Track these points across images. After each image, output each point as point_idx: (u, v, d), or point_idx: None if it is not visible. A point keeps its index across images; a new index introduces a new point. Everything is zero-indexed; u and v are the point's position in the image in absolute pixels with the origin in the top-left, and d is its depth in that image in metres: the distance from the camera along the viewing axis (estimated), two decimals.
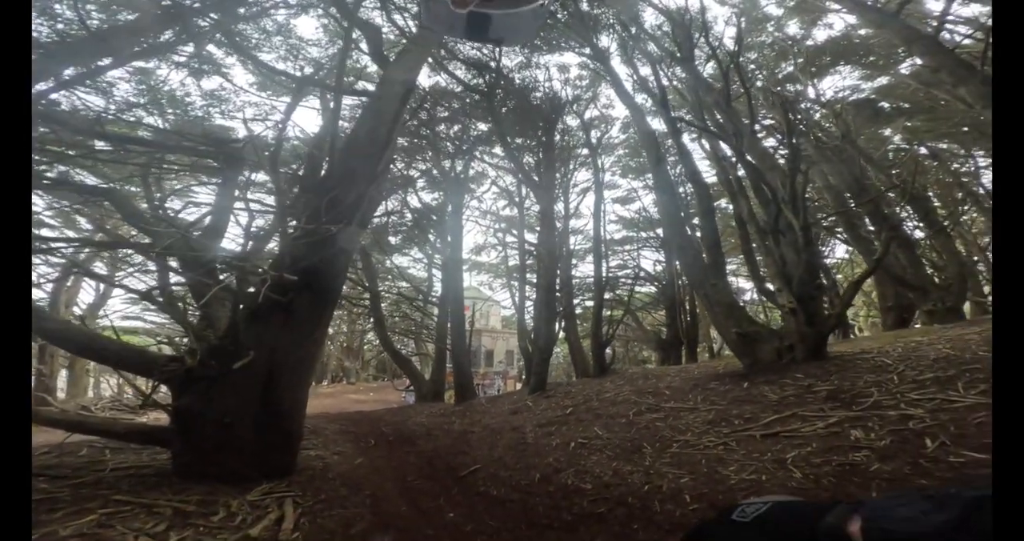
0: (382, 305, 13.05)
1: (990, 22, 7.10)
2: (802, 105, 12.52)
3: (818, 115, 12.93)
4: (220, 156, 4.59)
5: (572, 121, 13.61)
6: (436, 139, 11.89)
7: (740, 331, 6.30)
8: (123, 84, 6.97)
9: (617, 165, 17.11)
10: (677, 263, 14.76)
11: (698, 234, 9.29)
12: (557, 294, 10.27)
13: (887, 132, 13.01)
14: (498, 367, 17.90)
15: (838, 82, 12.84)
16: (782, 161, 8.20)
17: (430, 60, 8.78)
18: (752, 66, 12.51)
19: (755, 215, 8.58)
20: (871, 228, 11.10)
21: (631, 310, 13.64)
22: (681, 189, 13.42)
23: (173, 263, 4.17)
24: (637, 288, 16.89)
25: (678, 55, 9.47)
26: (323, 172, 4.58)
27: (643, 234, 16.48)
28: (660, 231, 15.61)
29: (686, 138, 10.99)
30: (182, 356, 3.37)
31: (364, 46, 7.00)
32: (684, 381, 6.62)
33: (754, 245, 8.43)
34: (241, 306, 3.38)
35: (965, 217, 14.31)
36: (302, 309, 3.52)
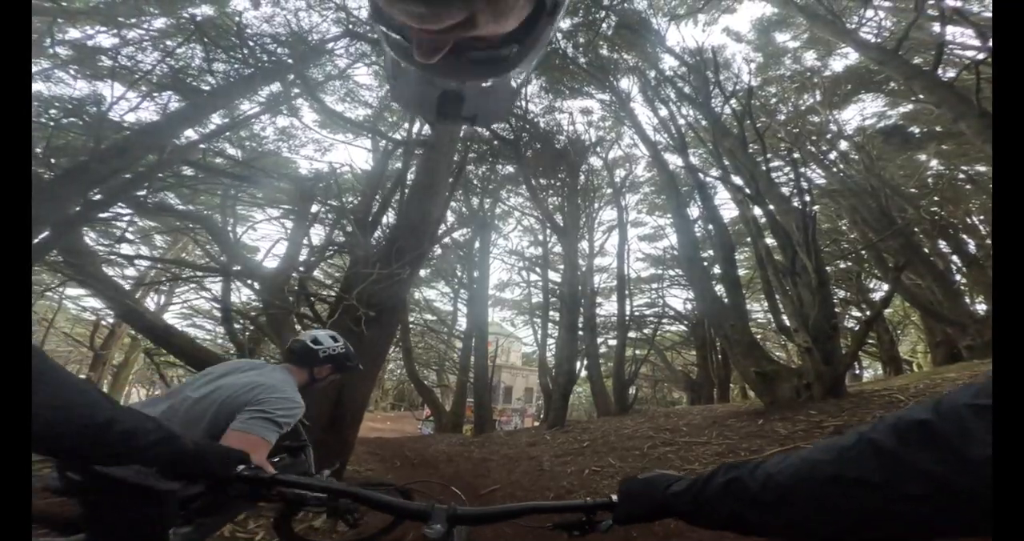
0: (409, 336, 13.88)
1: (979, 55, 7.53)
2: (827, 137, 12.98)
3: (844, 145, 13.28)
4: (296, 192, 5.64)
5: (597, 161, 14.62)
6: (465, 178, 13.00)
7: (759, 370, 6.69)
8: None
9: (643, 203, 17.86)
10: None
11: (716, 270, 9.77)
12: (579, 333, 10.82)
13: (923, 157, 13.13)
14: (517, 404, 18.14)
15: (863, 110, 13.18)
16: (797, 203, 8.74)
17: None
18: (773, 99, 13.19)
19: (772, 256, 9.09)
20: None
21: (658, 349, 13.91)
22: (710, 226, 13.94)
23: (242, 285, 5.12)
24: (667, 327, 17.17)
25: (696, 99, 10.40)
26: (375, 210, 5.46)
27: (671, 272, 16.90)
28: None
29: (711, 176, 11.63)
30: None
31: None
32: (704, 419, 6.97)
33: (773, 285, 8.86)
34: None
35: None
36: (370, 337, 4.28)
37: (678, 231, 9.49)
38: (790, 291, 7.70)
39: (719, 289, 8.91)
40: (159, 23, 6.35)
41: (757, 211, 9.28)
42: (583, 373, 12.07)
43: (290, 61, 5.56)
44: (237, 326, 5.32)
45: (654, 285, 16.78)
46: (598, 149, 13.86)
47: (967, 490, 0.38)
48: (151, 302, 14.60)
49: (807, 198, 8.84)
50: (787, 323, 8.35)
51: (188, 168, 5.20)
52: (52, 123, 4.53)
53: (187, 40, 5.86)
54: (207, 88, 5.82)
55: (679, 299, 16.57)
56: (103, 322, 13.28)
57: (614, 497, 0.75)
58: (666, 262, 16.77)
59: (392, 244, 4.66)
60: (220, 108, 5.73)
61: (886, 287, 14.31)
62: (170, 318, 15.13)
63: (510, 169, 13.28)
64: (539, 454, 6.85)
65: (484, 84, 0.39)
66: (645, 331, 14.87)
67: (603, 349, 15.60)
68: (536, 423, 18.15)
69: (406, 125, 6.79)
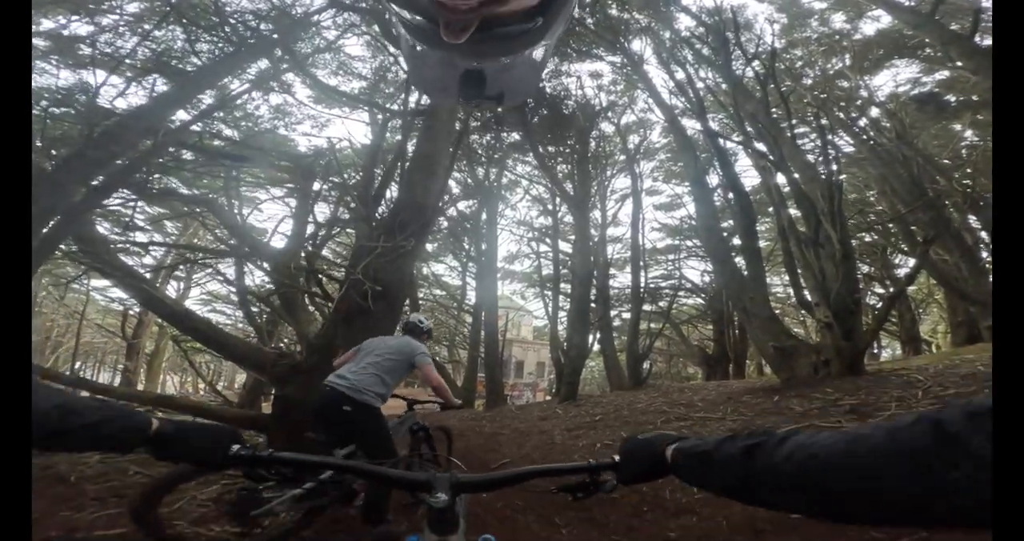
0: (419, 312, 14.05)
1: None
2: (857, 103, 12.45)
3: (875, 113, 12.75)
4: (296, 170, 5.63)
5: (608, 127, 14.15)
6: (469, 148, 12.71)
7: (777, 345, 6.69)
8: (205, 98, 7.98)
9: (659, 170, 17.41)
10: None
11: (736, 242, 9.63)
12: (592, 306, 10.87)
13: (958, 127, 12.63)
14: (528, 378, 18.48)
15: (896, 76, 12.55)
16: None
17: None
18: (799, 63, 12.57)
19: (795, 226, 8.90)
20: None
21: (674, 323, 13.93)
22: (730, 194, 13.61)
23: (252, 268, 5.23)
24: (683, 300, 17.18)
25: (715, 61, 9.94)
26: (377, 184, 5.48)
27: (688, 243, 16.70)
28: None
29: (732, 141, 11.24)
30: (291, 353, 4.31)
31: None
32: (719, 395, 7.07)
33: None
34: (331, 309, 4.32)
35: None
36: (378, 313, 4.33)
37: (696, 199, 9.31)
38: (812, 263, 7.58)
39: (738, 261, 8.82)
40: (133, 7, 6.21)
41: (780, 179, 9.04)
42: (595, 347, 12.21)
43: (275, 36, 5.42)
44: (254, 309, 5.46)
45: (671, 256, 16.64)
46: (609, 114, 13.40)
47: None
48: (172, 290, 15.09)
49: (834, 166, 8.55)
50: (807, 297, 8.27)
51: (187, 152, 5.19)
52: (44, 114, 4.52)
53: (163, 21, 5.75)
54: (192, 69, 5.74)
55: (696, 271, 16.47)
56: (131, 311, 13.76)
57: (616, 457, 0.75)
58: (683, 232, 16.54)
59: (395, 217, 4.68)
60: (207, 88, 5.65)
61: (911, 263, 14.03)
62: (191, 304, 15.69)
63: (516, 136, 12.94)
64: (551, 428, 7.05)
65: (505, 60, 0.38)
66: (660, 304, 14.87)
67: (616, 322, 15.71)
68: (548, 397, 18.58)
69: (403, 96, 6.64)
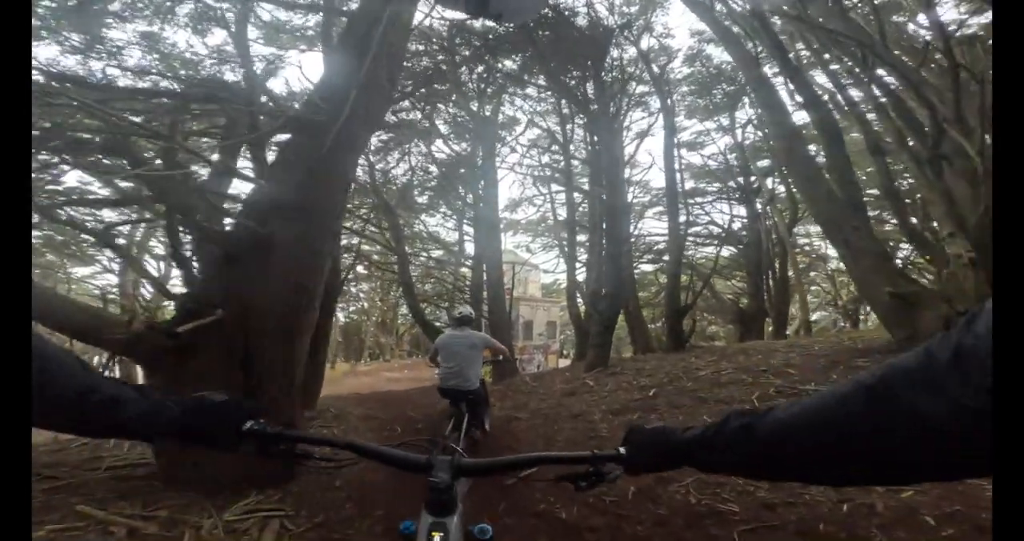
0: (412, 272, 12.32)
1: None
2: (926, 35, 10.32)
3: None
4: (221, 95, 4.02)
5: (621, 55, 11.93)
6: (458, 81, 10.67)
7: (896, 292, 5.00)
8: (134, 50, 6.81)
9: (681, 104, 15.27)
10: (772, 218, 13.18)
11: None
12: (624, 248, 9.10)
13: None
14: (538, 340, 17.00)
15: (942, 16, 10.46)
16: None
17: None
18: None
19: (905, 138, 7.05)
20: None
21: (702, 274, 12.30)
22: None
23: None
24: (703, 249, 15.54)
25: None
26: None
27: (716, 185, 14.82)
28: (740, 180, 13.99)
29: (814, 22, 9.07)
30: (130, 318, 2.62)
31: None
32: (809, 358, 5.48)
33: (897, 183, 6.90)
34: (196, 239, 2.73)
35: None
36: (288, 244, 2.75)
37: (766, 110, 7.42)
38: (934, 185, 5.86)
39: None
40: None
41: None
42: None
43: None
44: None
45: (698, 199, 14.77)
46: (626, 34, 11.15)
47: (959, 433, 0.39)
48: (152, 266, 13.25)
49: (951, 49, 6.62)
50: (916, 228, 6.53)
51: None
52: None
53: None
54: None
55: (725, 215, 14.69)
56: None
57: (621, 449, 0.74)
58: (716, 174, 14.64)
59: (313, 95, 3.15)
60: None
61: None
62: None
63: (512, 66, 10.82)
64: (585, 409, 5.44)
65: None
66: (687, 254, 13.19)
67: (635, 274, 14.07)
68: (561, 360, 17.12)
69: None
